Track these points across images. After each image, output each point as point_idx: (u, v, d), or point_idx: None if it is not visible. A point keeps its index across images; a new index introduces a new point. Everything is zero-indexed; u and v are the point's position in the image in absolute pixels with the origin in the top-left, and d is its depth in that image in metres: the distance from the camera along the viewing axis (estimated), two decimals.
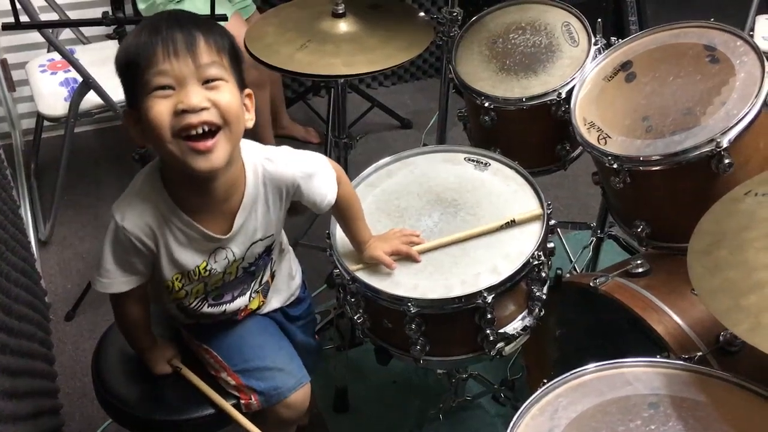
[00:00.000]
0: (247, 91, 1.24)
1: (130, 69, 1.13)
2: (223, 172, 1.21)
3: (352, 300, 1.47)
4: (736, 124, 1.37)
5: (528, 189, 1.57)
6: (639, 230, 1.57)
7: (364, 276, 1.44)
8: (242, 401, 1.44)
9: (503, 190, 1.57)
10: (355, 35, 1.81)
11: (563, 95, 1.72)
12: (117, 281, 1.31)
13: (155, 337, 1.46)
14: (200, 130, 1.13)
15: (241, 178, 1.28)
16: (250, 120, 1.24)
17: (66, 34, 2.78)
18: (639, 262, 1.52)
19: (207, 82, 1.13)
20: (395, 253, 1.44)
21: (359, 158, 2.14)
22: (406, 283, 1.41)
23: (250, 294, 1.46)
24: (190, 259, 1.30)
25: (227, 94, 1.15)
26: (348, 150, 2.06)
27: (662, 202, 1.53)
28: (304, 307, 1.63)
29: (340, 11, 1.83)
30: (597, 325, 1.66)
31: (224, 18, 1.76)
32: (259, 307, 1.52)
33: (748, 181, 1.25)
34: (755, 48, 1.45)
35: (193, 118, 1.11)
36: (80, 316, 2.32)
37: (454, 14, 2.02)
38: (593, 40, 1.77)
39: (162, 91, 1.12)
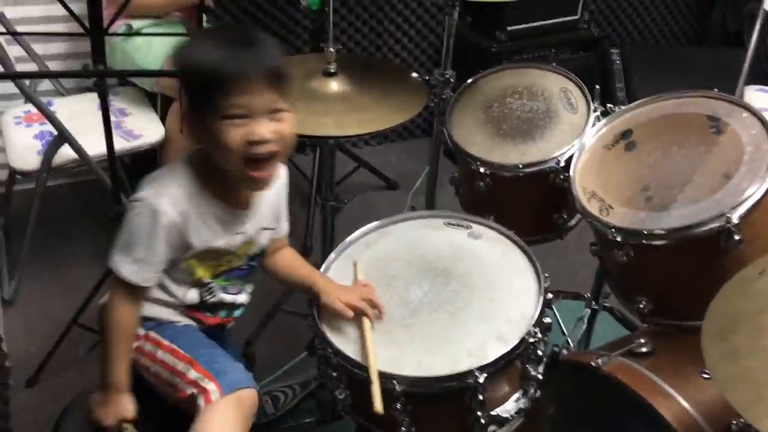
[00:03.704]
0: None
1: (202, 83, 1.22)
2: None
3: (334, 374, 1.38)
4: (747, 199, 1.31)
5: (524, 260, 1.49)
6: (641, 306, 1.49)
7: (347, 350, 1.34)
8: (203, 393, 1.33)
9: (497, 261, 1.50)
10: (347, 95, 1.77)
11: (562, 163, 1.67)
12: (153, 273, 1.32)
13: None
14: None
15: None
16: None
17: (46, 85, 2.72)
18: (643, 341, 1.44)
19: (273, 111, 1.24)
20: (350, 307, 1.41)
21: (344, 220, 2.06)
22: (390, 359, 1.32)
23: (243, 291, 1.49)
24: (216, 239, 1.36)
25: (289, 125, 1.26)
26: (335, 213, 1.98)
27: (666, 278, 1.46)
28: None
29: (332, 70, 1.78)
30: (595, 406, 1.56)
31: None
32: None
33: (761, 259, 1.18)
34: (762, 120, 1.41)
35: (262, 149, 1.23)
36: (43, 382, 2.18)
37: (447, 76, 1.98)
38: (592, 107, 1.72)
39: (235, 120, 1.21)
